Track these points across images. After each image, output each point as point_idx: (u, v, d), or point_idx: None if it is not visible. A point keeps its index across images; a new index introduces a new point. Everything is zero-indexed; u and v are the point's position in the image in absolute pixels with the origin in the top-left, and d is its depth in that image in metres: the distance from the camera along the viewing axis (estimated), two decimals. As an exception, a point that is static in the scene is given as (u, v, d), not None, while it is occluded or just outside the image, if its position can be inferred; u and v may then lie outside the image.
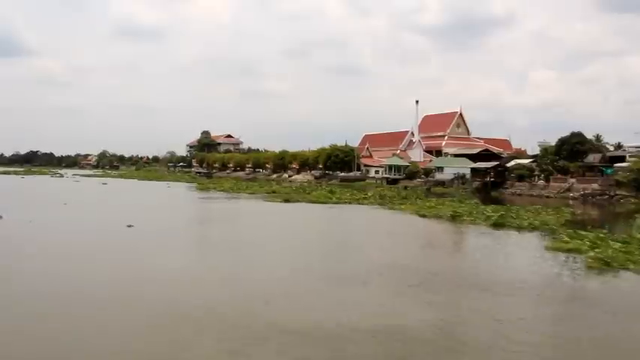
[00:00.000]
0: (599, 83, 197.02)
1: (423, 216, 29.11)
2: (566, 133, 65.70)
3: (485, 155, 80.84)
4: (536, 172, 66.20)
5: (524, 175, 66.54)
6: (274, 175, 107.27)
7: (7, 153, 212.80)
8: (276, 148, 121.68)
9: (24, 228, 20.78)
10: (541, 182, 64.27)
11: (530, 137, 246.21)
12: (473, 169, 73.36)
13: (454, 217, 27.71)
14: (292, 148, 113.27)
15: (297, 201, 38.80)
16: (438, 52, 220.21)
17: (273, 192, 50.62)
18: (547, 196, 59.10)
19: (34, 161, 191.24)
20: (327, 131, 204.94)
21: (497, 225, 24.75)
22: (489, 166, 69.83)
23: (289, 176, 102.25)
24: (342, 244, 18.63)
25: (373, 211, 33.25)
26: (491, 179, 68.97)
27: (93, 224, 22.74)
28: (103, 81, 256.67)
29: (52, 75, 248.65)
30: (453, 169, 76.75)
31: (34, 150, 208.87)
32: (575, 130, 64.84)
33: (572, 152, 62.93)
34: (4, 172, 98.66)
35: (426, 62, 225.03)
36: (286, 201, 38.39)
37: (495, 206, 33.25)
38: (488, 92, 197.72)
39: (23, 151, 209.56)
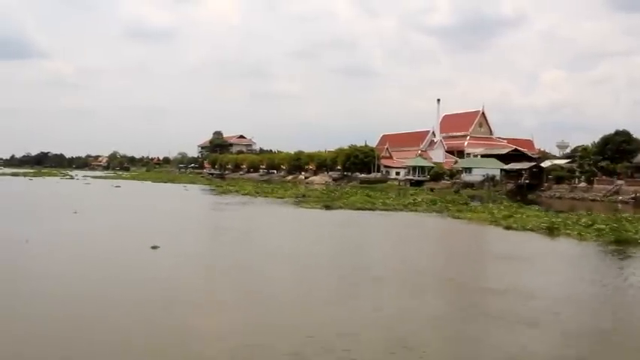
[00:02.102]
0: (609, 83, 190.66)
1: (508, 228, 23.11)
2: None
3: (514, 156, 74.78)
4: (577, 174, 60.19)
5: (562, 176, 60.57)
6: (289, 177, 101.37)
7: (18, 154, 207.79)
8: (287, 149, 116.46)
9: (13, 252, 14.92)
10: (582, 184, 58.30)
11: (539, 137, 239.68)
12: (505, 171, 67.38)
13: (552, 231, 21.77)
14: (303, 148, 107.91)
15: (340, 207, 32.87)
16: (448, 52, 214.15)
17: (303, 196, 44.82)
18: (592, 200, 53.23)
19: (44, 162, 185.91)
20: (337, 132, 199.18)
21: (621, 242, 18.82)
22: (525, 167, 63.78)
23: (305, 178, 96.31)
24: (479, 288, 12.60)
25: (437, 221, 27.31)
26: (526, 181, 62.94)
27: (108, 244, 16.86)
28: (114, 82, 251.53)
29: (63, 76, 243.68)
30: (482, 170, 70.71)
31: (45, 151, 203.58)
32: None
33: (618, 152, 56.87)
34: (13, 174, 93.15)
35: (436, 63, 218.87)
36: (327, 207, 32.46)
37: (591, 215, 27.25)
38: (498, 93, 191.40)
39: (34, 152, 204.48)
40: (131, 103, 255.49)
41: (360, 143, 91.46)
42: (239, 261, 14.40)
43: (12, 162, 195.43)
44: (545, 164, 65.35)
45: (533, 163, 64.71)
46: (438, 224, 25.76)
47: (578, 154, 62.30)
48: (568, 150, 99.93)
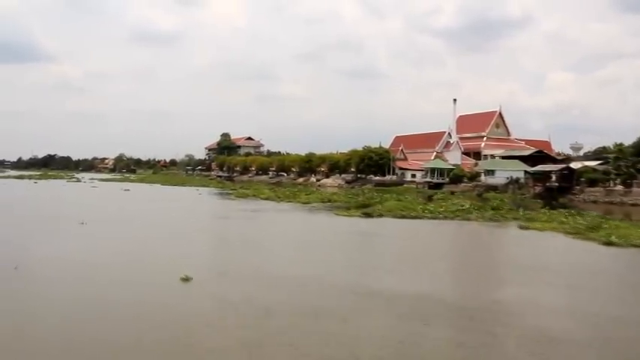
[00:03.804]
0: (617, 85, 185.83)
1: (609, 244, 18.50)
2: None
3: (537, 157, 70.06)
4: (612, 176, 55.44)
5: (596, 179, 55.83)
6: (300, 179, 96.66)
7: (25, 157, 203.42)
8: (293, 151, 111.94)
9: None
10: (619, 187, 53.59)
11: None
12: (530, 173, 62.67)
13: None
14: (308, 150, 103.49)
15: (380, 215, 28.29)
16: (454, 54, 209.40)
17: (329, 201, 40.52)
18: (632, 204, 48.59)
19: (51, 165, 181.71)
20: (343, 134, 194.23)
21: None
22: (555, 169, 59.07)
23: (317, 180, 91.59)
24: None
25: (510, 233, 22.75)
26: (556, 184, 58.20)
27: (124, 273, 12.30)
28: (120, 85, 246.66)
29: (70, 80, 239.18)
30: (505, 172, 65.96)
31: (52, 154, 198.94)
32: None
33: (658, 153, 52.18)
34: (19, 177, 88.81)
35: (442, 65, 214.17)
36: (366, 215, 27.89)
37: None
38: (504, 95, 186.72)
39: (41, 154, 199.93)
40: (137, 106, 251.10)
41: (366, 145, 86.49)
42: (314, 312, 9.76)
43: (19, 164, 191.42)
44: (575, 166, 60.64)
45: (564, 165, 59.97)
46: (517, 238, 21.10)
47: (613, 155, 57.47)
48: (581, 152, 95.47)
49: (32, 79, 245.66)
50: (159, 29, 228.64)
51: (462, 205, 31.72)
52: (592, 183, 55.93)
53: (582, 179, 57.11)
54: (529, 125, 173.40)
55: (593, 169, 58.08)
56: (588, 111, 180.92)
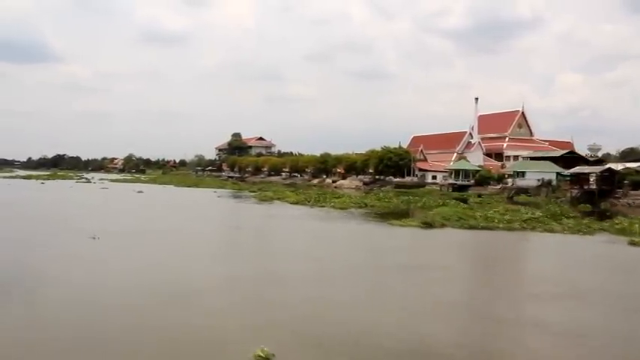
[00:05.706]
0: (627, 86, 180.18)
1: None
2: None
3: (569, 158, 64.93)
4: (659, 179, 50.33)
5: (640, 182, 50.72)
6: (315, 181, 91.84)
7: (35, 157, 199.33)
8: (301, 151, 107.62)
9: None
10: (669, 191, 48.49)
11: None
12: (570, 175, 57.53)
13: None
14: (317, 151, 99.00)
15: (443, 225, 23.35)
16: (463, 55, 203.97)
17: (365, 205, 35.74)
18: (685, 209, 43.62)
19: (60, 165, 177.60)
20: (351, 135, 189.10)
21: None
22: (595, 171, 53.93)
23: (333, 182, 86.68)
24: None
25: (625, 251, 17.75)
26: (595, 187, 53.04)
27: (165, 352, 7.36)
28: (129, 86, 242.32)
29: (79, 80, 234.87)
30: (536, 174, 60.92)
31: (61, 154, 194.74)
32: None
33: None
34: (27, 177, 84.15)
35: (450, 66, 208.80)
36: (427, 225, 22.95)
37: None
38: (514, 96, 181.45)
39: (51, 154, 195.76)
40: (145, 106, 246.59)
41: (385, 145, 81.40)
42: None
43: (29, 164, 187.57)
44: (619, 167, 55.45)
45: (605, 167, 54.79)
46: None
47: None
48: (600, 153, 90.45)
49: (41, 79, 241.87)
50: (167, 30, 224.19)
51: (533, 213, 26.68)
52: (635, 186, 50.88)
53: (626, 182, 52.03)
54: (539, 126, 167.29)
55: (636, 171, 52.99)
56: (599, 112, 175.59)
